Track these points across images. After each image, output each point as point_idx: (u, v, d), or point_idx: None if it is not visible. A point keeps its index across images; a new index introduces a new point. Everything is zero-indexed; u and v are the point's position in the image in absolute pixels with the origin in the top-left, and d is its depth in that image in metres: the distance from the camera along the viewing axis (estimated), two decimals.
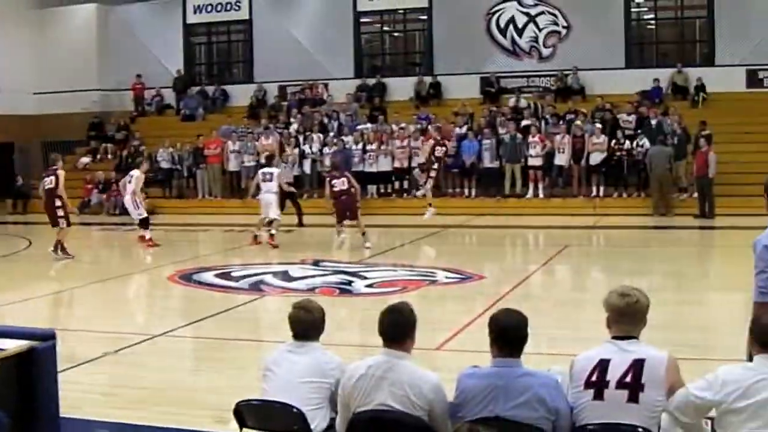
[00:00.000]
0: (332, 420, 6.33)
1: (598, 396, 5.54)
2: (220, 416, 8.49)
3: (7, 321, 12.72)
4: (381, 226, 25.10)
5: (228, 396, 8.13)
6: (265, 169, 23.35)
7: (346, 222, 21.97)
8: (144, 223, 23.16)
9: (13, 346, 7.53)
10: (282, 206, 23.88)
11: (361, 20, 37.12)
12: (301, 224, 26.43)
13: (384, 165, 30.48)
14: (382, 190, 30.99)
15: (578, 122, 29.51)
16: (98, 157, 36.58)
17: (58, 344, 7.86)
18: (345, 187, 21.69)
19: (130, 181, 23.25)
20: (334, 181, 21.83)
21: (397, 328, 5.98)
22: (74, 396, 9.02)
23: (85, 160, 36.08)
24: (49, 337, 7.82)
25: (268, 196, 22.50)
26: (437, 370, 6.36)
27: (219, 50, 40.96)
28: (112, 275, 19.37)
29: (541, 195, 28.99)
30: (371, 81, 35.83)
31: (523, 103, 32.09)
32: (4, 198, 35.90)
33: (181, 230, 26.97)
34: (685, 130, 28.36)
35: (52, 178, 20.95)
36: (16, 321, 12.19)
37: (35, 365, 7.58)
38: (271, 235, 21.99)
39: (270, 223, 22.52)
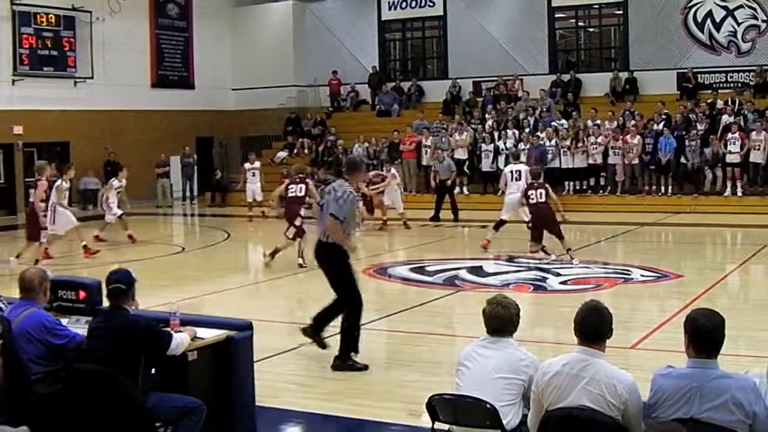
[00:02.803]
0: (524, 416, 6.32)
1: None
2: (413, 410, 8.59)
3: (205, 311, 13.18)
4: (576, 223, 24.87)
5: (421, 390, 8.26)
6: (513, 167, 21.43)
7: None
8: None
9: (211, 335, 7.81)
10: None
11: (556, 15, 36.83)
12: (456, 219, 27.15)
13: (579, 161, 30.21)
14: (577, 187, 30.73)
15: None
16: (295, 151, 37.31)
17: (255, 334, 8.10)
18: (542, 199, 19.19)
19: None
20: (530, 192, 19.29)
21: (596, 327, 5.91)
22: (269, 385, 9.30)
23: (282, 154, 36.83)
24: (245, 327, 8.09)
25: (516, 196, 20.27)
26: (631, 368, 6.30)
27: (413, 46, 41.28)
28: (308, 267, 19.71)
29: (739, 193, 28.28)
30: (566, 77, 35.52)
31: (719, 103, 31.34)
32: (203, 191, 37.03)
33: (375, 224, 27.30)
34: None
35: (302, 186, 19.53)
36: (214, 311, 12.54)
37: (232, 354, 7.87)
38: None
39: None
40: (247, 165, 28.37)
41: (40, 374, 7.06)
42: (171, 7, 38.83)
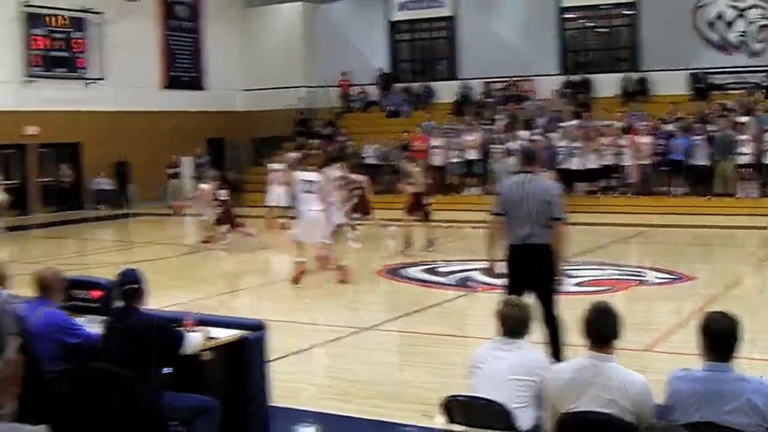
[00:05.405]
0: (538, 418, 6.29)
1: None
2: (426, 411, 8.58)
3: (219, 311, 13.19)
4: (587, 224, 24.86)
5: (434, 391, 8.25)
6: None
7: None
8: None
9: (225, 335, 7.81)
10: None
11: (566, 16, 36.80)
12: None
13: (590, 162, 30.15)
14: (588, 188, 30.70)
15: None
16: (305, 152, 37.25)
17: (268, 335, 8.11)
18: None
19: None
20: None
21: (605, 330, 5.88)
22: (283, 386, 9.27)
23: (293, 155, 36.73)
24: (259, 327, 8.09)
25: None
26: (645, 371, 6.29)
27: (423, 47, 41.19)
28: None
29: (753, 194, 28.19)
30: (576, 77, 35.50)
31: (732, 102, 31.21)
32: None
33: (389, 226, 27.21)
34: None
35: None
36: (228, 311, 12.54)
37: (246, 354, 7.86)
38: None
39: None
40: (275, 165, 27.05)
41: (56, 373, 7.04)
42: (181, 8, 38.90)
